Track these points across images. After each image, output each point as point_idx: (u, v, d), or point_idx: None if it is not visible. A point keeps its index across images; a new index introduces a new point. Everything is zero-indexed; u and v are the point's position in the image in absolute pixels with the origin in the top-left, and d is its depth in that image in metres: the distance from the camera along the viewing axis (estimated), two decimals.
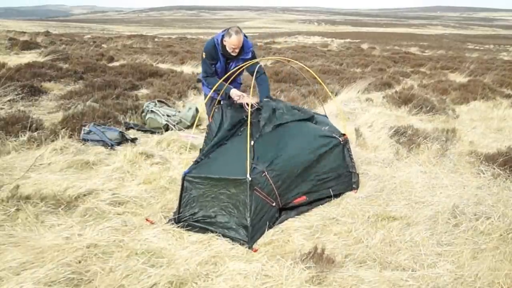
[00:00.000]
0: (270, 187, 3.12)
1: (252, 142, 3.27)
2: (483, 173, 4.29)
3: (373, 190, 3.84)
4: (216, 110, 3.94)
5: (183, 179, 3.09)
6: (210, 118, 3.93)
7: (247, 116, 3.80)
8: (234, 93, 3.94)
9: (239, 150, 3.28)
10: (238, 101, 3.86)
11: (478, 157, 4.59)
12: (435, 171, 4.37)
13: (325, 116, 4.26)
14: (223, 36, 3.91)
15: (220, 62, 4.07)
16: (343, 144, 3.80)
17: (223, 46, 3.93)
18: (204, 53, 4.04)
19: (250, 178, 2.94)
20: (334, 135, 3.81)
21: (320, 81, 4.30)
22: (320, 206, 3.48)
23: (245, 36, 3.96)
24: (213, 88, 3.87)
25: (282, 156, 3.33)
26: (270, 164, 3.18)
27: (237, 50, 3.91)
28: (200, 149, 3.79)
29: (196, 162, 3.30)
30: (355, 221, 3.23)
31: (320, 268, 2.55)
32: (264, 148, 3.32)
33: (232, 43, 3.82)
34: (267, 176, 3.11)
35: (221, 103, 4.04)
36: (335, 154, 3.72)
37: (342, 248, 2.87)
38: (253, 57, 4.07)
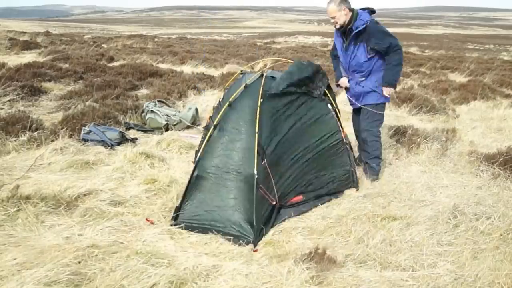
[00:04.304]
0: (269, 178, 3.07)
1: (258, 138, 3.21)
2: (483, 173, 4.28)
3: (373, 190, 3.84)
4: (215, 110, 3.92)
5: (194, 169, 3.06)
6: (208, 118, 3.91)
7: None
8: (342, 81, 4.06)
9: (244, 142, 3.20)
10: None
11: (478, 157, 4.59)
12: (435, 171, 4.37)
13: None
14: None
15: (340, 43, 3.84)
16: (345, 142, 3.78)
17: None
18: None
19: (257, 176, 2.92)
20: (335, 132, 3.77)
21: None
22: (320, 206, 3.48)
23: (352, 8, 3.54)
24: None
25: (279, 140, 3.23)
26: (267, 146, 3.09)
27: (337, 22, 3.58)
28: (196, 150, 3.72)
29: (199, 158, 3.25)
30: (355, 221, 3.23)
31: (321, 268, 2.55)
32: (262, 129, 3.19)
33: (327, 13, 3.53)
34: (266, 165, 3.06)
35: (220, 102, 4.00)
36: (335, 151, 3.69)
37: (343, 248, 2.86)
38: (372, 31, 3.53)
